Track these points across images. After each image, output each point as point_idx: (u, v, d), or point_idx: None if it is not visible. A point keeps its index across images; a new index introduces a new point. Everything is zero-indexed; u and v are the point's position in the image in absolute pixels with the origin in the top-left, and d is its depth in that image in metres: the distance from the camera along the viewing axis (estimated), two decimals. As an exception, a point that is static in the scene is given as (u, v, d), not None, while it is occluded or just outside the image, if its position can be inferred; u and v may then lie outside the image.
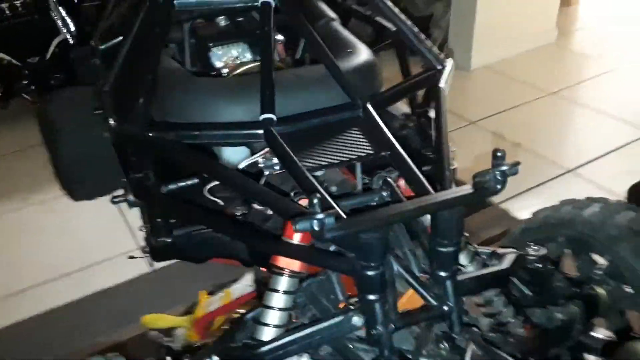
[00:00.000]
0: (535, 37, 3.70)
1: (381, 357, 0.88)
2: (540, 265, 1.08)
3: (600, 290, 1.15)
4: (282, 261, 0.95)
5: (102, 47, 1.42)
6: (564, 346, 0.88)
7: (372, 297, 0.86)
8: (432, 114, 1.25)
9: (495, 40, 3.54)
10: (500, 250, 1.04)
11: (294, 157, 0.99)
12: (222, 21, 1.41)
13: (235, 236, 1.15)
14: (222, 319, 1.66)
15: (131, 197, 1.23)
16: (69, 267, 2.11)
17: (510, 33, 3.57)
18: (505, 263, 1.01)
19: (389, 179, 1.08)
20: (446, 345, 0.91)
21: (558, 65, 3.59)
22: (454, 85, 1.27)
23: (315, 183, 0.94)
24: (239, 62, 1.38)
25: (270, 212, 1.13)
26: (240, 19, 1.45)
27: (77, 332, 1.83)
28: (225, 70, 1.37)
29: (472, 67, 3.56)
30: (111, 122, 1.18)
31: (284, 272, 0.95)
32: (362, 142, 1.09)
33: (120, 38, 1.34)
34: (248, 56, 1.41)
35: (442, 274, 0.92)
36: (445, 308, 0.92)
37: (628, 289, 1.16)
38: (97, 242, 2.22)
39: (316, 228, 0.77)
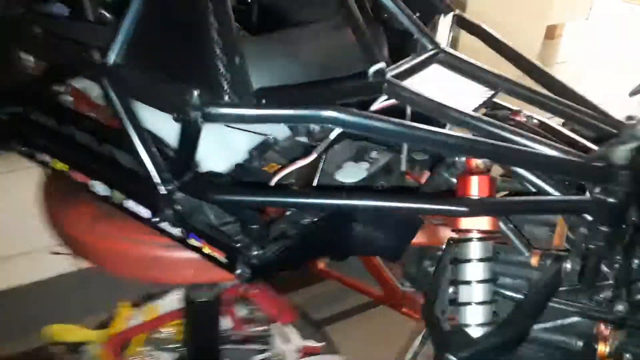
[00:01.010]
0: (516, 66, 3.61)
1: (621, 288, 0.84)
2: None
3: None
4: (467, 222, 0.81)
5: None
6: None
7: (606, 228, 0.82)
8: None
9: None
10: None
11: (434, 99, 0.85)
12: None
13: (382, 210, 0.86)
14: (142, 338, 1.39)
15: (187, 206, 0.86)
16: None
17: (494, 60, 3.46)
18: None
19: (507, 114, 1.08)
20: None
21: (538, 96, 3.50)
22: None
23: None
24: None
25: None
26: None
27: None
28: None
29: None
30: (196, 97, 0.81)
31: (474, 235, 0.82)
32: (469, 82, 1.04)
33: None
34: None
35: None
36: None
37: None
38: (12, 234, 1.90)
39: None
